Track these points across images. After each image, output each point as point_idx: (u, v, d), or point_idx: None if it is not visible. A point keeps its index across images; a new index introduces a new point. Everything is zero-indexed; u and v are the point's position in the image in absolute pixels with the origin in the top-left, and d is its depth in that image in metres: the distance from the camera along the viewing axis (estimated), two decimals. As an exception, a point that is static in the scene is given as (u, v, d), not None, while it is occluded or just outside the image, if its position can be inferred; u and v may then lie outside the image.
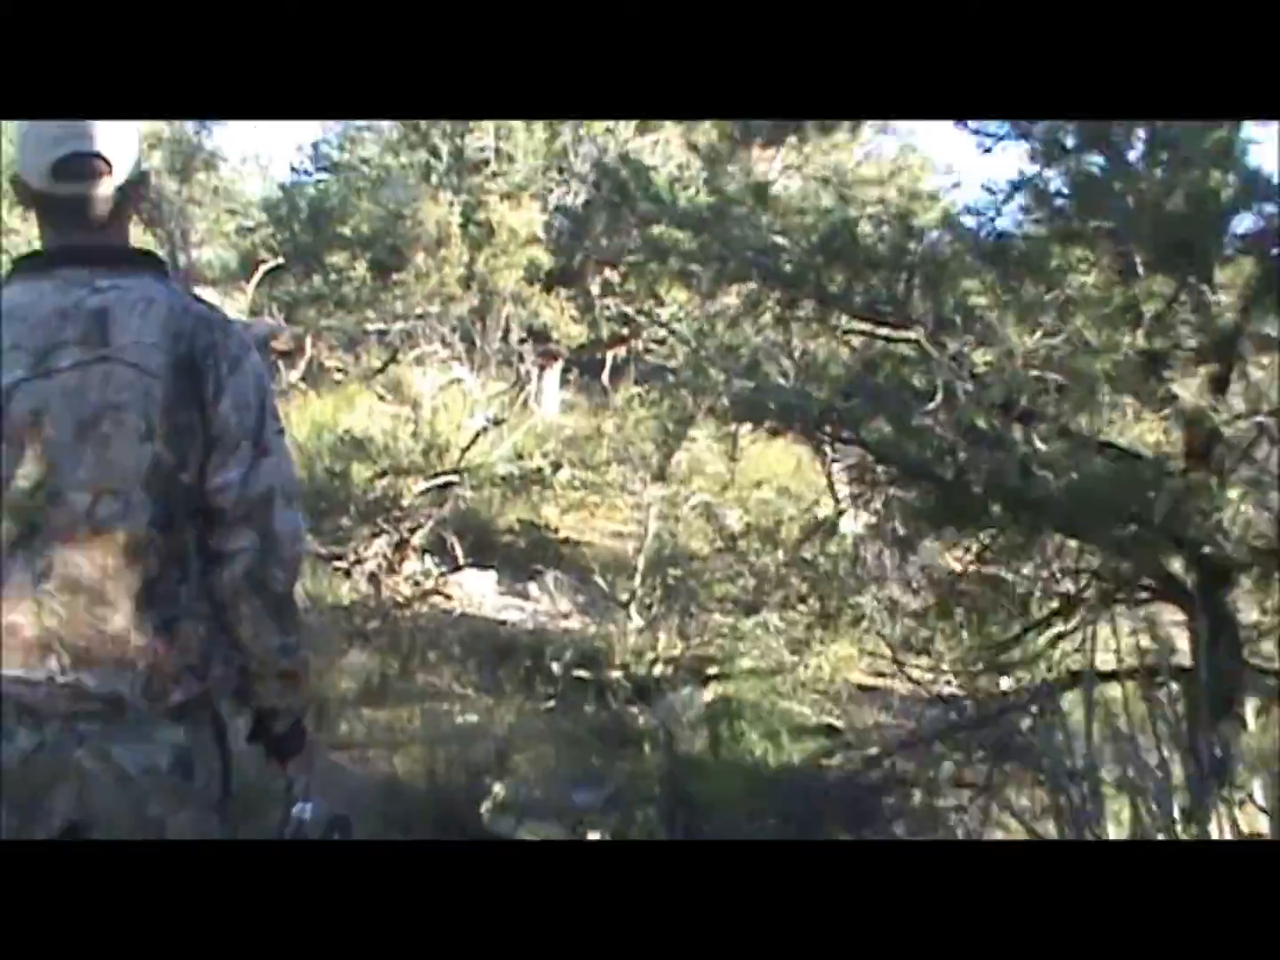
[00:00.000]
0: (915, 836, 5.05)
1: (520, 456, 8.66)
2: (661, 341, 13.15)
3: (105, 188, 1.88)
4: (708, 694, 6.69)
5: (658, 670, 6.76)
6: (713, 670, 6.89)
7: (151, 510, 1.83)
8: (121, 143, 1.90)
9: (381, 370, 14.25)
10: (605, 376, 13.46)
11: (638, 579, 7.29)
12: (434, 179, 13.69)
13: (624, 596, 7.45)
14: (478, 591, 8.13)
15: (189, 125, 20.45)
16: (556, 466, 8.82)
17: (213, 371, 1.87)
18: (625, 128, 12.57)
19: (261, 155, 27.88)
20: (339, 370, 13.68)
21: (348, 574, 7.54)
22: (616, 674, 6.62)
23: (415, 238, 13.04)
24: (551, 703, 6.26)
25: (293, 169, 24.93)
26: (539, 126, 12.53)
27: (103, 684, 1.79)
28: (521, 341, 12.12)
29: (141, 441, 1.82)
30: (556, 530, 9.06)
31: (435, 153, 13.64)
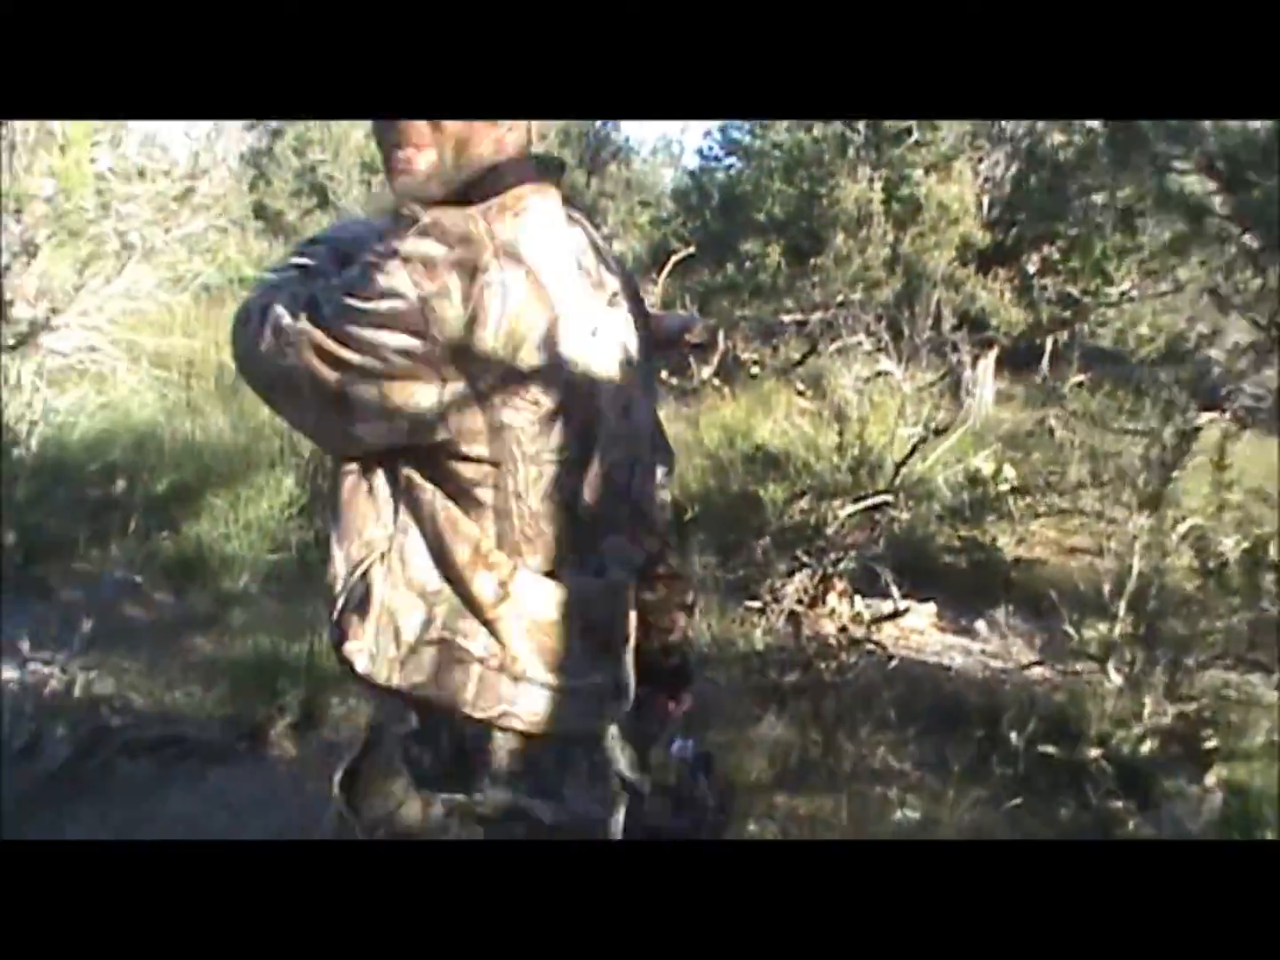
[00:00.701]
0: None
1: (967, 472, 7.58)
2: (1104, 324, 11.99)
3: None
4: (1209, 777, 5.30)
5: (1146, 747, 5.42)
6: (1211, 743, 5.38)
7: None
8: None
9: (800, 363, 13.56)
10: (1045, 364, 12.32)
11: (1116, 627, 5.97)
12: (850, 152, 12.71)
13: (1090, 634, 6.13)
14: (915, 628, 7.03)
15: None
16: (1011, 485, 7.63)
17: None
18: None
19: (673, 144, 28.03)
20: (754, 364, 12.88)
21: (762, 612, 6.59)
22: (1094, 751, 5.33)
23: (833, 219, 12.28)
24: (1018, 799, 5.04)
25: (702, 156, 24.48)
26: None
27: None
28: (954, 329, 11.09)
29: None
30: (1007, 552, 7.79)
31: (851, 125, 12.79)
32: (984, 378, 12.26)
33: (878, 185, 11.69)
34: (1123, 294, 11.83)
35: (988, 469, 8.44)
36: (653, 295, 17.01)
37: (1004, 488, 8.01)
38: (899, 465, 7.00)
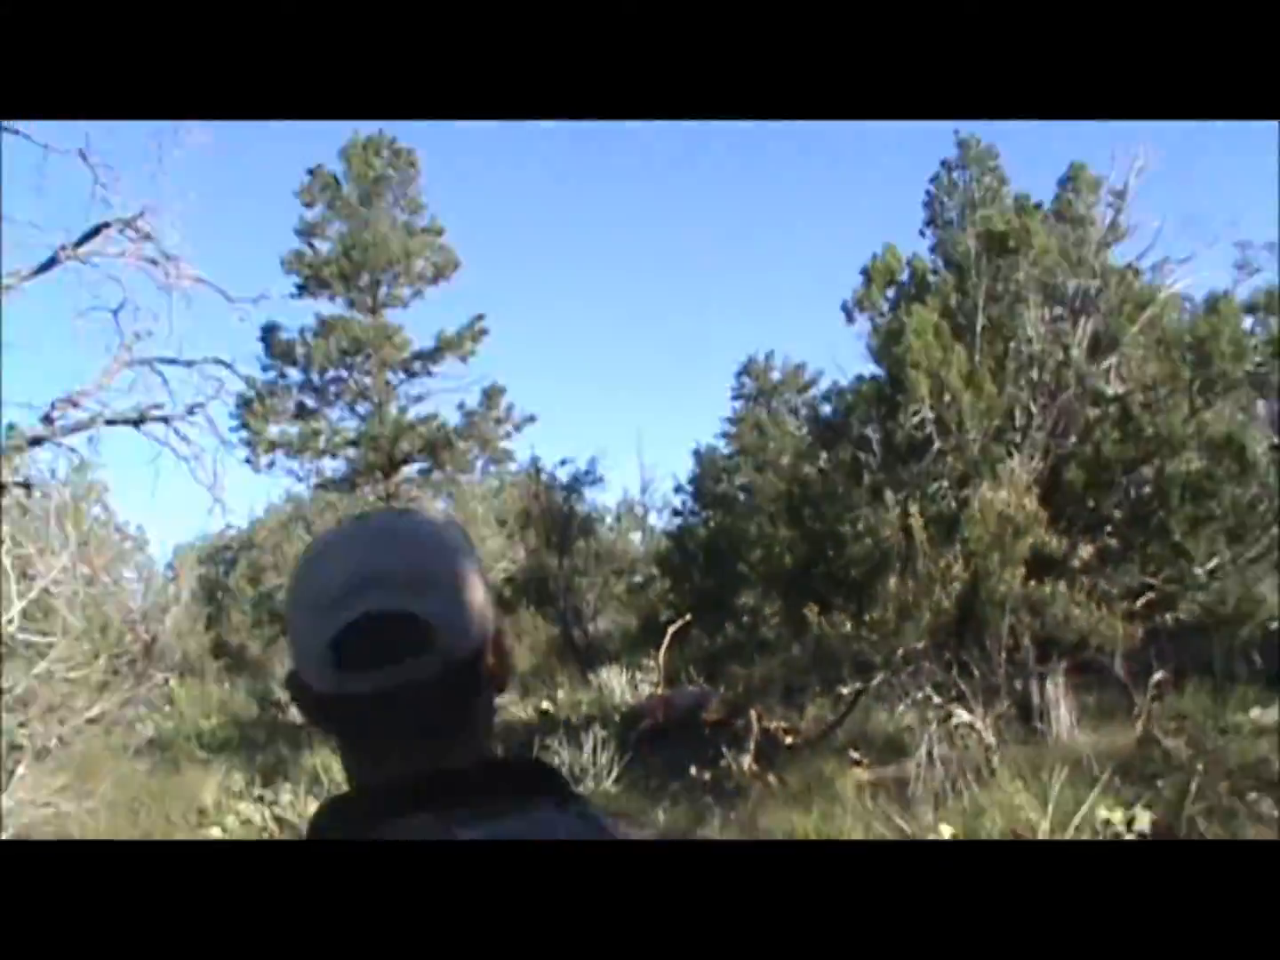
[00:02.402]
0: None
1: (1093, 828, 7.37)
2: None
3: (429, 669, 1.18)
4: None
5: None
6: None
7: None
8: (448, 586, 1.20)
9: (838, 724, 12.55)
10: (1119, 665, 11.16)
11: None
12: (866, 478, 12.35)
13: None
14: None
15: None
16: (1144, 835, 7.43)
17: None
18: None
19: (635, 506, 27.25)
20: (786, 732, 12.27)
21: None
22: None
23: (864, 557, 11.72)
24: None
25: (675, 512, 24.10)
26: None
27: None
28: (1040, 658, 10.95)
29: None
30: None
31: (867, 447, 12.09)
32: (1057, 697, 11.26)
33: (914, 509, 10.55)
34: (1211, 572, 10.71)
35: (1117, 819, 7.84)
36: (653, 674, 16.05)
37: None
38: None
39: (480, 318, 25.15)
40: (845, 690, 11.55)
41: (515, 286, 52.26)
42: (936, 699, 10.22)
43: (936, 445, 11.21)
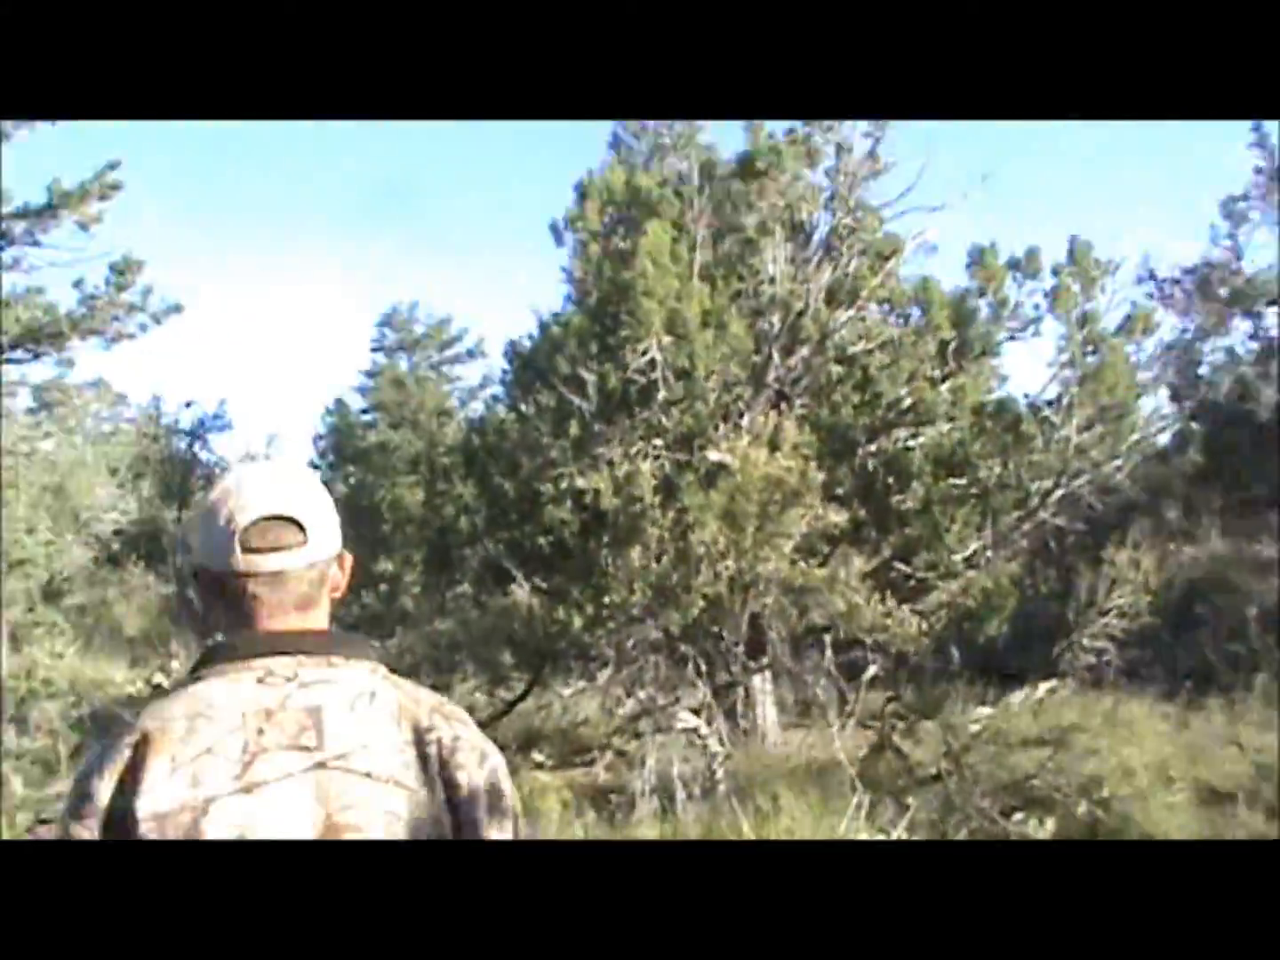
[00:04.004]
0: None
1: None
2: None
3: (302, 560, 1.66)
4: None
5: None
6: None
7: None
8: (317, 509, 1.70)
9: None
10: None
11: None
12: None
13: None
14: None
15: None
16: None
17: (459, 770, 1.62)
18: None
19: (260, 458, 24.69)
20: None
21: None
22: None
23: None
24: None
25: (312, 465, 21.66)
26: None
27: None
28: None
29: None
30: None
31: None
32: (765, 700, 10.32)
33: (643, 465, 9.09)
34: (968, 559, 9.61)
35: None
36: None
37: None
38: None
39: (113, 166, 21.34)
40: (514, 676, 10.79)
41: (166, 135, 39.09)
42: (660, 699, 8.40)
43: (662, 394, 9.32)
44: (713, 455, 9.42)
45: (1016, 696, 9.31)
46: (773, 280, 9.97)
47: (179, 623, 18.89)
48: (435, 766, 1.60)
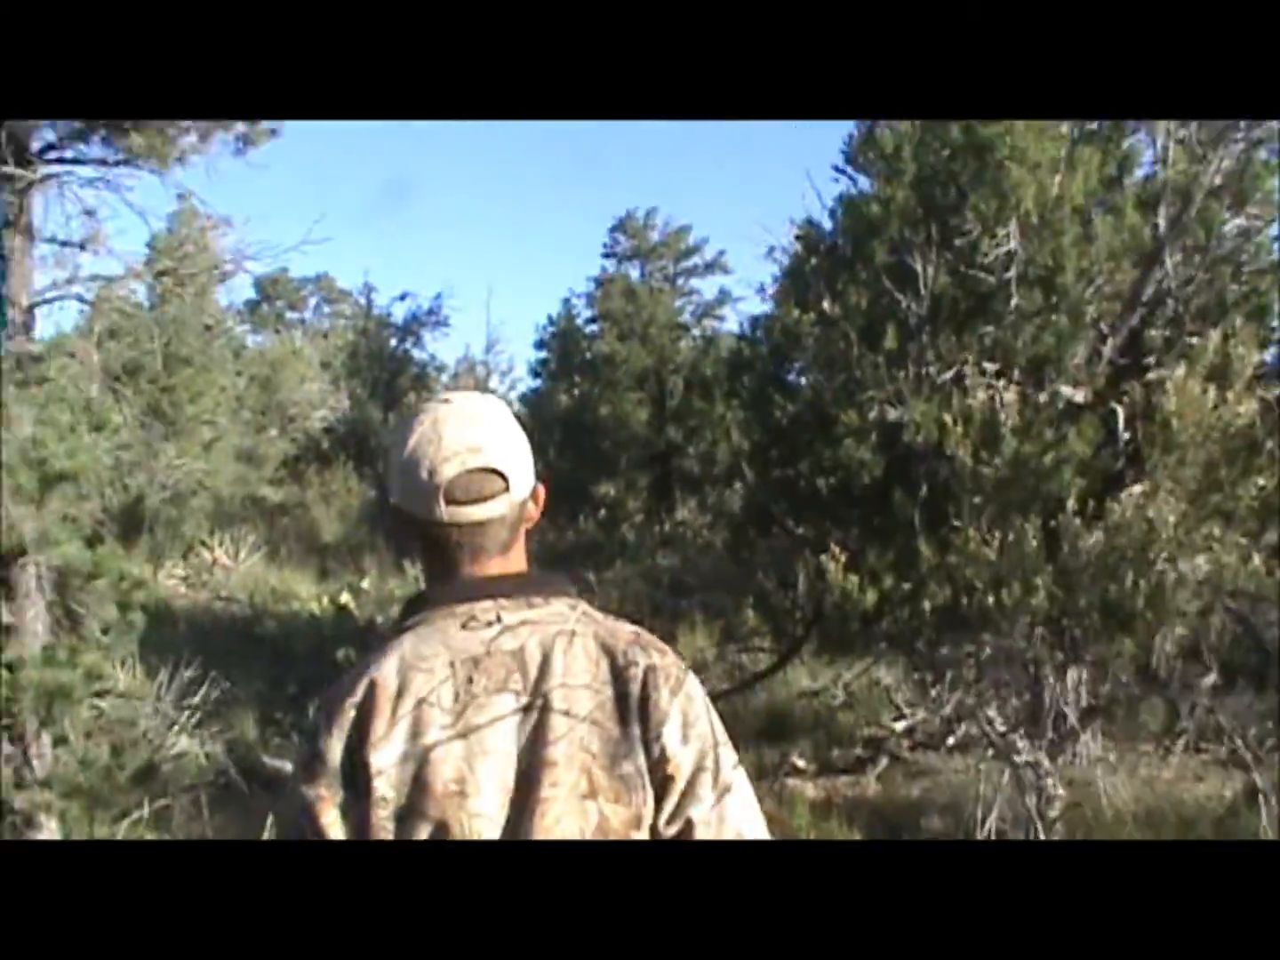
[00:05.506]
0: None
1: None
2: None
3: (503, 507, 1.72)
4: None
5: None
6: None
7: None
8: (515, 453, 1.74)
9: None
10: None
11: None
12: None
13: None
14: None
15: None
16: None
17: (654, 702, 1.63)
18: None
19: (478, 366, 23.18)
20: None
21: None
22: None
23: None
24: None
25: (534, 372, 19.76)
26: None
27: None
28: None
29: (583, 800, 1.59)
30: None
31: None
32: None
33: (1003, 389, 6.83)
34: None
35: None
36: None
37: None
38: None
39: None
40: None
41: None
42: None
43: (1016, 301, 6.82)
44: (1067, 391, 6.98)
45: None
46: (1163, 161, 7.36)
47: (374, 535, 17.42)
48: (635, 701, 1.62)
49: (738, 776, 1.65)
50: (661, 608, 11.89)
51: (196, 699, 7.78)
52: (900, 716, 8.64)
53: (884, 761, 8.46)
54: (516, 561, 1.74)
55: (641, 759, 1.59)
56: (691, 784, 1.60)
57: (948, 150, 7.18)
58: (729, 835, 1.61)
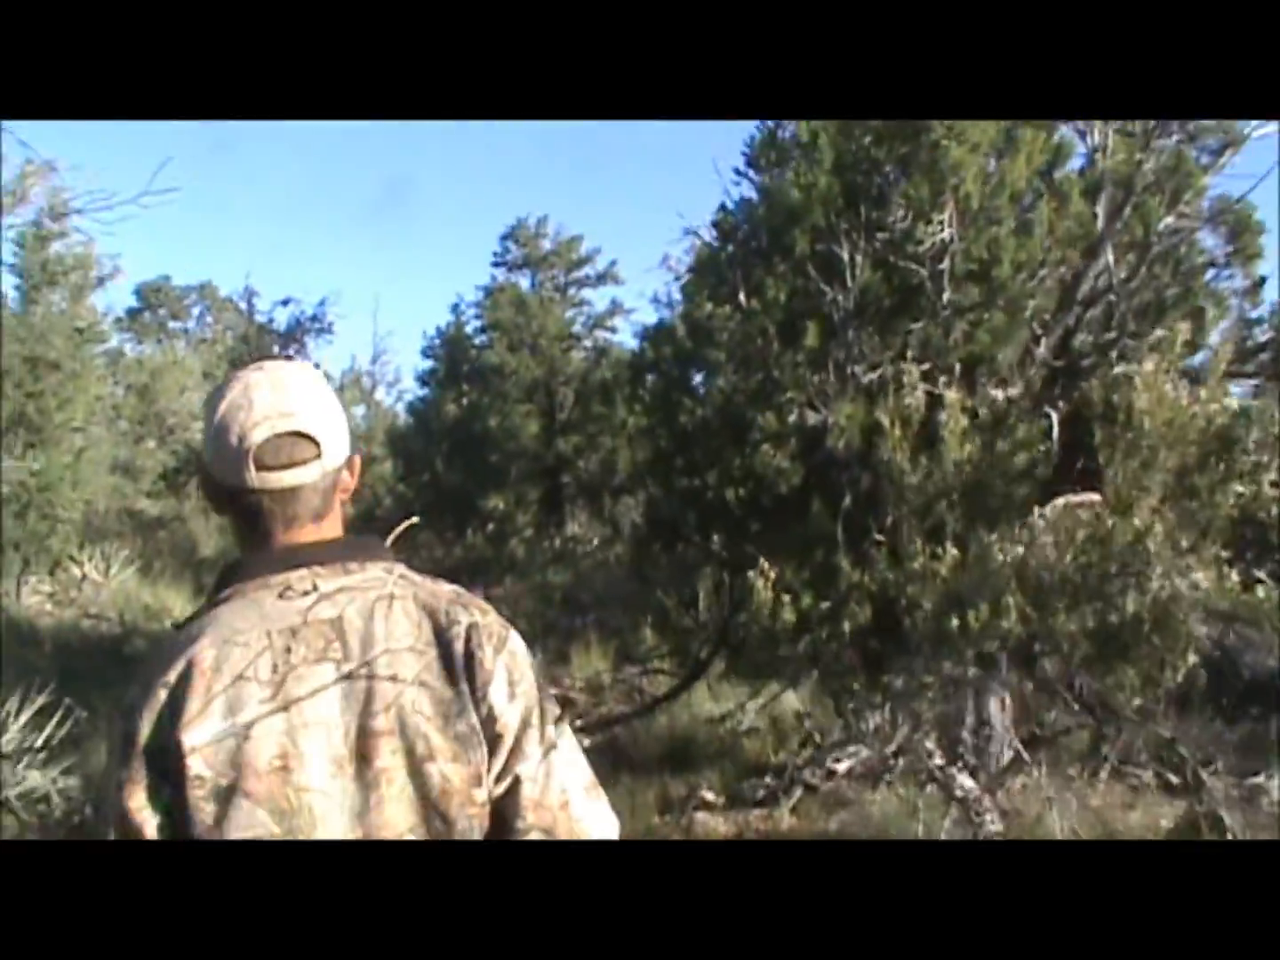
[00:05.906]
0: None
1: None
2: None
3: (315, 473, 1.67)
4: None
5: None
6: None
7: None
8: (328, 420, 1.69)
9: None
10: None
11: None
12: None
13: None
14: None
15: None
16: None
17: (479, 660, 1.62)
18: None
19: (364, 376, 23.31)
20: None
21: None
22: None
23: None
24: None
25: (421, 381, 19.05)
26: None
27: None
28: None
29: (423, 763, 1.57)
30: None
31: None
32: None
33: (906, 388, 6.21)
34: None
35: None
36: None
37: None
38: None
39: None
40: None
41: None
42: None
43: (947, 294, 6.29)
44: (1009, 393, 6.49)
45: None
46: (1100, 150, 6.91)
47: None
48: (460, 659, 1.61)
49: (562, 731, 1.66)
50: (554, 626, 11.48)
51: (48, 729, 6.90)
52: (811, 743, 8.12)
53: (798, 793, 7.89)
54: (331, 529, 1.70)
55: (474, 716, 1.58)
56: (519, 741, 1.60)
57: (870, 136, 6.65)
58: (555, 792, 1.61)
